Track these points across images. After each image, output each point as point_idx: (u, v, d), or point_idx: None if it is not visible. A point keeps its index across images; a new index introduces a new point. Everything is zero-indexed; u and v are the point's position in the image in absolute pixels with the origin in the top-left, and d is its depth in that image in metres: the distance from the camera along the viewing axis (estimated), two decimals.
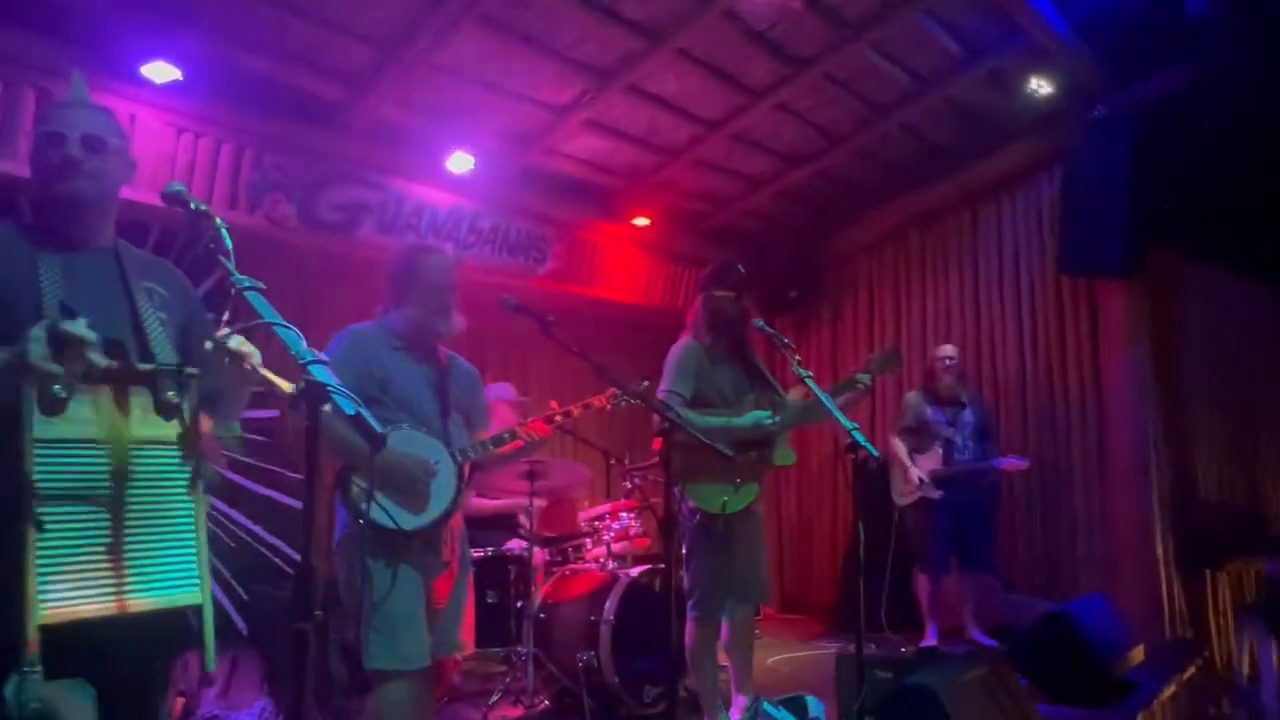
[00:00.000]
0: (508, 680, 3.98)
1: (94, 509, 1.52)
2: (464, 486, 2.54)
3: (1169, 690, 4.04)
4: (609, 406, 2.91)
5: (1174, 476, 5.06)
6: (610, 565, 4.26)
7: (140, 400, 1.58)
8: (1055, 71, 4.81)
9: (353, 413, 1.42)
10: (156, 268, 1.83)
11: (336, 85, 4.24)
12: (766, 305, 6.59)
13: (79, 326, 1.43)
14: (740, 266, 3.46)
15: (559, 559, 4.61)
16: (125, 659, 1.60)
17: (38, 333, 1.41)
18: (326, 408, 1.43)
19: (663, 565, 2.65)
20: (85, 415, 1.51)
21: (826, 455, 6.70)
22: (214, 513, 4.28)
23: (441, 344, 2.69)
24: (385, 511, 2.26)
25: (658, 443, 2.79)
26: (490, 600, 4.07)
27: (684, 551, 3.33)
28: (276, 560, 4.54)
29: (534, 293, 5.49)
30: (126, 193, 1.81)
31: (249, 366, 1.57)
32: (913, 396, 5.29)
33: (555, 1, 3.90)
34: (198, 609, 1.63)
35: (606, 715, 3.75)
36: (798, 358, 3.10)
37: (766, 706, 3.32)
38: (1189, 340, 5.23)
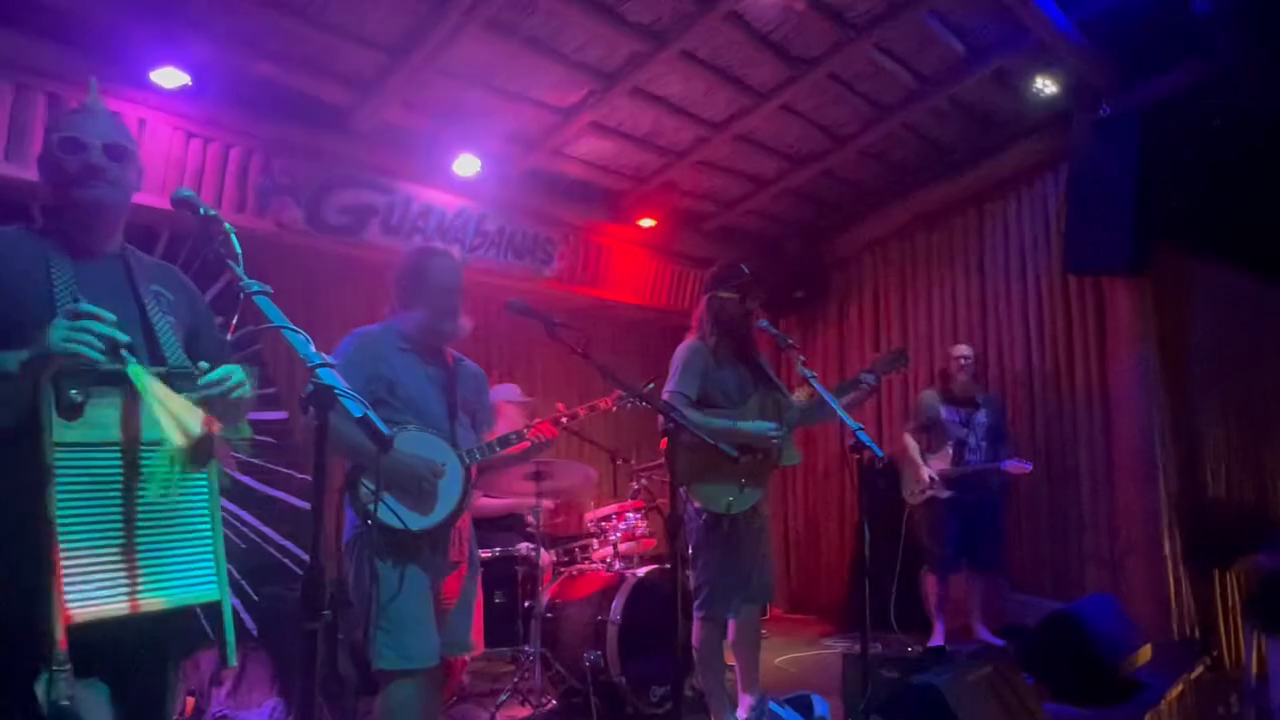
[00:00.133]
0: (515, 680, 4.00)
1: (112, 510, 1.54)
2: (471, 487, 2.56)
3: (1176, 689, 4.04)
4: (615, 408, 2.93)
5: (1181, 475, 5.05)
6: (617, 565, 4.27)
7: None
8: (1061, 71, 4.81)
9: (360, 415, 1.44)
10: (163, 272, 1.86)
11: (343, 89, 4.27)
12: (772, 305, 6.58)
13: (96, 309, 1.47)
14: (745, 267, 3.48)
15: (566, 559, 4.63)
16: (138, 658, 1.63)
17: (59, 322, 1.44)
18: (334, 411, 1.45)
19: (669, 565, 2.67)
20: (102, 419, 1.53)
21: (833, 455, 6.70)
22: (224, 514, 4.30)
23: (449, 346, 2.72)
24: (393, 512, 2.28)
25: (664, 443, 2.81)
26: (498, 600, 4.09)
27: (690, 551, 3.35)
28: (286, 561, 4.57)
29: (540, 294, 5.52)
30: (136, 197, 1.83)
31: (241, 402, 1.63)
32: (927, 395, 5.31)
33: (560, 5, 3.92)
34: (215, 606, 1.65)
35: (614, 715, 3.76)
36: (802, 358, 3.11)
37: (772, 705, 3.33)
38: (1196, 338, 5.22)
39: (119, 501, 1.55)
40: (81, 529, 1.50)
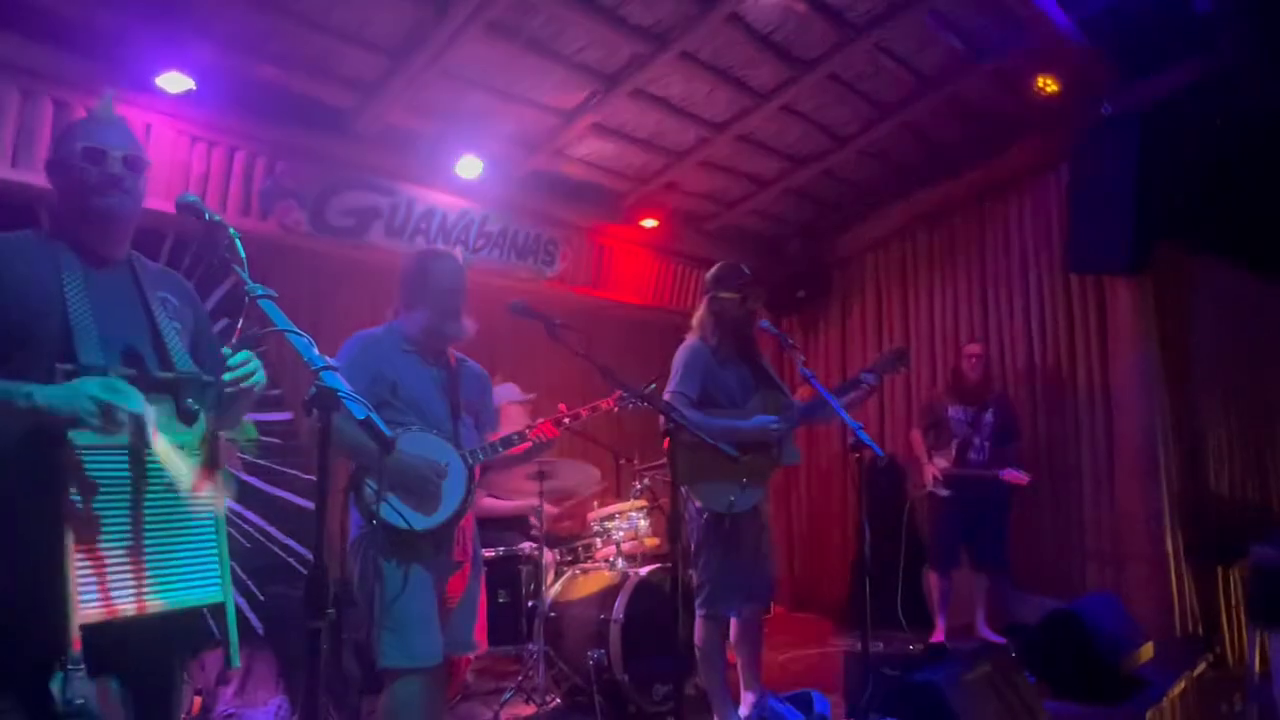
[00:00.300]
0: (519, 678, 4.03)
1: (122, 513, 1.57)
2: (474, 487, 2.58)
3: (1179, 686, 4.05)
4: (616, 408, 2.95)
5: (1184, 473, 5.06)
6: (620, 564, 4.29)
7: (163, 408, 1.64)
8: (1062, 70, 4.81)
9: (363, 417, 1.47)
10: (168, 278, 1.89)
11: (346, 92, 4.30)
12: (774, 305, 6.62)
13: (128, 388, 1.52)
14: (745, 267, 3.50)
15: (569, 558, 4.66)
16: (146, 657, 1.66)
17: (91, 388, 1.49)
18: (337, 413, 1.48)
19: (671, 564, 2.69)
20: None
21: (836, 454, 6.72)
22: (229, 514, 4.32)
23: (452, 347, 2.74)
24: (397, 512, 2.31)
25: (667, 443, 2.83)
26: (501, 599, 4.12)
27: (692, 550, 3.37)
28: (291, 561, 4.60)
29: (543, 295, 5.54)
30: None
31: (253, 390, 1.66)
32: (936, 393, 5.34)
33: (561, 8, 3.95)
34: (220, 607, 1.68)
35: (617, 713, 3.78)
36: (802, 358, 3.13)
37: (772, 702, 3.35)
38: (1198, 336, 5.22)
39: (128, 504, 1.58)
40: (93, 531, 1.52)
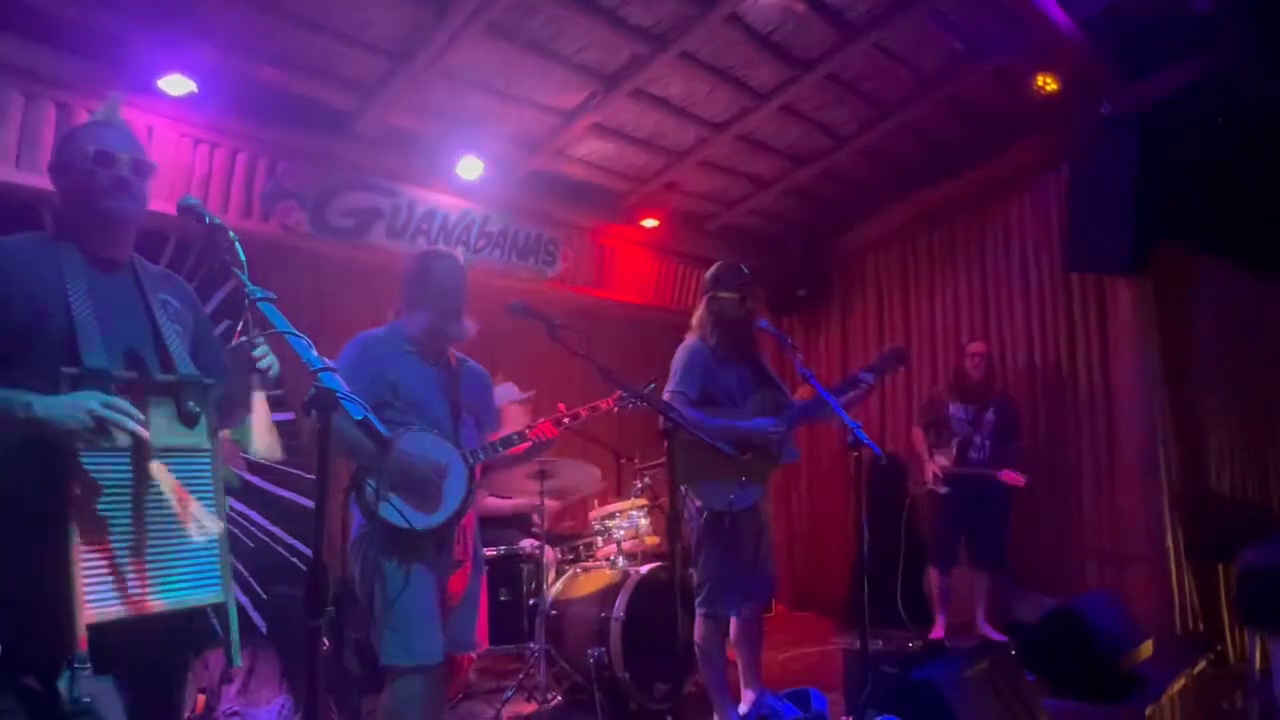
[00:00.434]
0: (520, 677, 4.05)
1: (125, 515, 1.59)
2: (474, 487, 2.60)
3: (1178, 684, 4.05)
4: (615, 408, 2.97)
5: (1184, 471, 5.06)
6: (621, 563, 4.31)
7: (165, 410, 1.66)
8: (1062, 69, 4.82)
9: (360, 417, 1.49)
10: (169, 281, 1.90)
11: (347, 94, 4.32)
12: (775, 305, 6.63)
13: (127, 405, 1.54)
14: (743, 267, 3.51)
15: (570, 557, 4.68)
16: (150, 657, 1.68)
17: (90, 404, 1.50)
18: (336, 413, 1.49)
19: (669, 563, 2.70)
20: None
21: (837, 453, 6.71)
22: (233, 514, 4.37)
23: (453, 347, 2.76)
24: (398, 512, 2.33)
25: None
26: (503, 598, 4.14)
27: (692, 549, 3.38)
28: (295, 560, 4.62)
29: (544, 295, 5.56)
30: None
31: (269, 372, 1.67)
32: (939, 391, 5.36)
33: (560, 9, 3.96)
34: (221, 607, 1.70)
35: (618, 711, 3.80)
36: (800, 357, 3.14)
37: (770, 700, 3.36)
38: (1199, 335, 5.22)
39: (130, 506, 1.59)
40: (97, 531, 1.54)
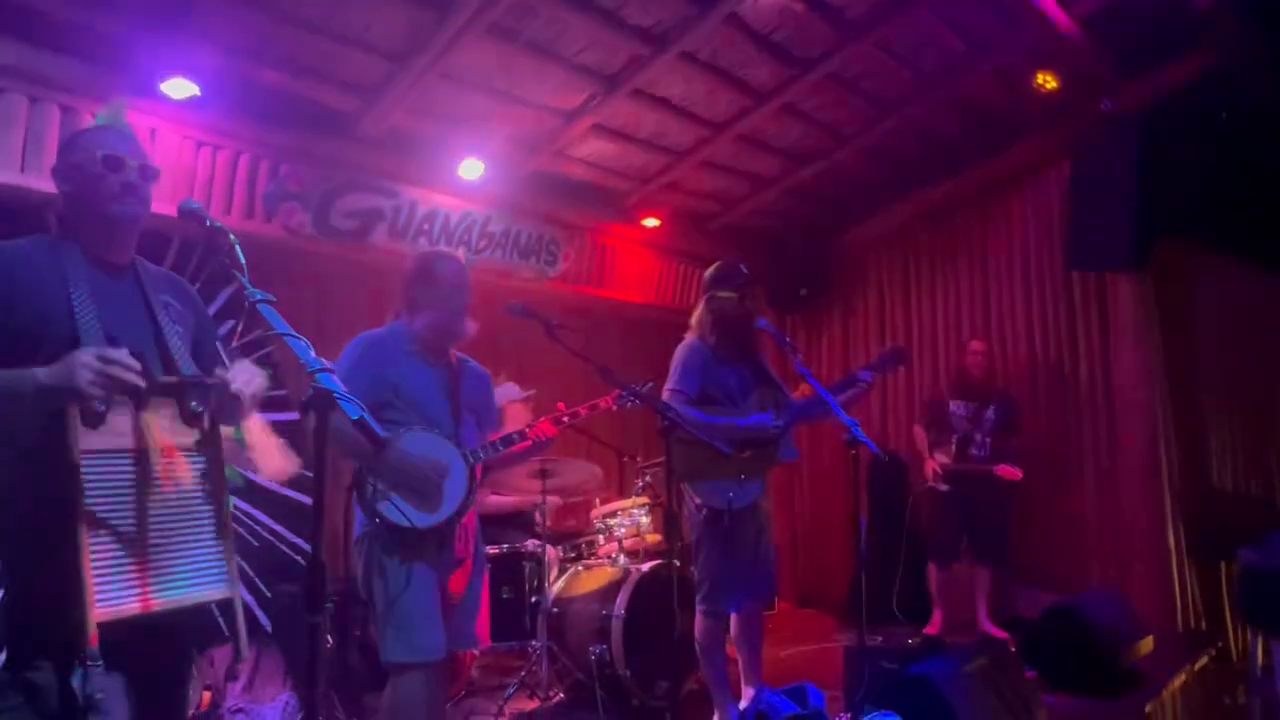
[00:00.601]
0: (523, 674, 4.07)
1: (131, 514, 1.61)
2: (475, 486, 2.62)
3: (1179, 680, 4.06)
4: (615, 407, 2.99)
5: (1186, 468, 5.06)
6: (622, 561, 4.33)
7: (167, 410, 1.68)
8: (1062, 67, 4.82)
9: (356, 417, 1.51)
10: (170, 282, 1.93)
11: (349, 96, 4.34)
12: (777, 304, 6.65)
13: (123, 355, 1.54)
14: (743, 267, 3.52)
15: (572, 555, 4.70)
16: (156, 653, 1.70)
17: (86, 358, 1.51)
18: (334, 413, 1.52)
19: (669, 560, 2.73)
20: (121, 426, 1.61)
21: (839, 451, 6.65)
22: (238, 513, 4.40)
23: (455, 347, 2.78)
24: (400, 510, 2.35)
25: None
26: (505, 596, 4.16)
27: (692, 547, 3.40)
28: (299, 559, 4.66)
29: (546, 295, 5.58)
30: None
31: (247, 401, 1.72)
32: (939, 389, 5.38)
33: (561, 10, 3.98)
34: (228, 602, 1.72)
35: (619, 707, 3.82)
36: (799, 356, 3.16)
37: (768, 695, 3.38)
38: (1200, 332, 5.22)
39: (135, 504, 1.62)
40: (105, 531, 1.57)
